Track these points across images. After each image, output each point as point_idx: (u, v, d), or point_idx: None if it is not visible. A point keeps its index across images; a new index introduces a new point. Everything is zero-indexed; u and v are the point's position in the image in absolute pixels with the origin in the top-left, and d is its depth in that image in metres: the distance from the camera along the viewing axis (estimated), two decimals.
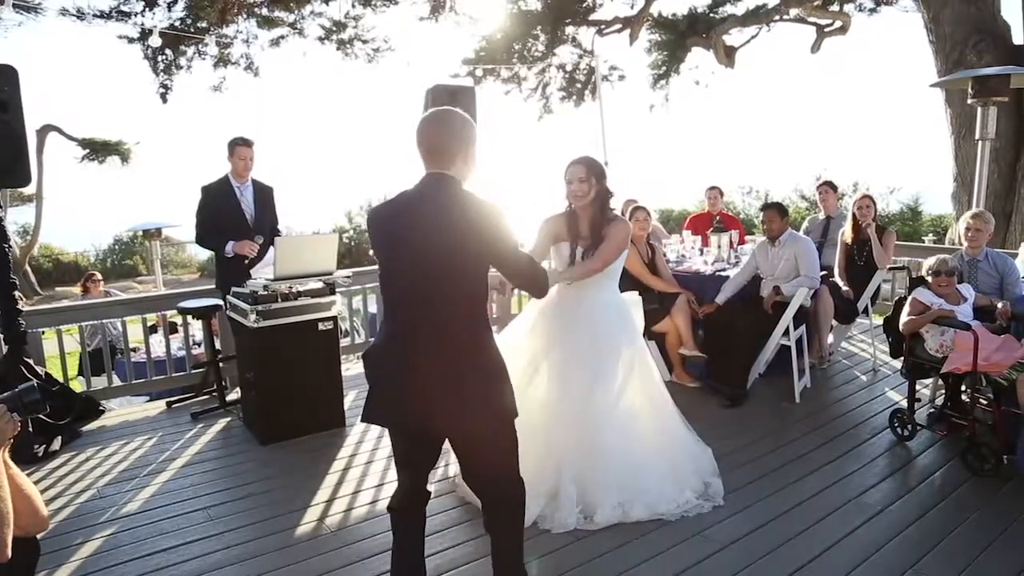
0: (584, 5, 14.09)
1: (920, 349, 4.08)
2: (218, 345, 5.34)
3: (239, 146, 4.97)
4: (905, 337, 4.12)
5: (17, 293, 4.50)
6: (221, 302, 4.99)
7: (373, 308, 6.61)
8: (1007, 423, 3.64)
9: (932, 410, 4.42)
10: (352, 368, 6.12)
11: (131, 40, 12.65)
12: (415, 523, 2.56)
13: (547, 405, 3.31)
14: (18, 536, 1.92)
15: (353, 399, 5.13)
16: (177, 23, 12.38)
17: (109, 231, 22.74)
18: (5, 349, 4.45)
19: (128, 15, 12.31)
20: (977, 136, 5.88)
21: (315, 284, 4.49)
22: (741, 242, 6.59)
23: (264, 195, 5.18)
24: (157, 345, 5.84)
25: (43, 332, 5.12)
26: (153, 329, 6.11)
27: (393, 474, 3.83)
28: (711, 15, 13.37)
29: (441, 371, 2.19)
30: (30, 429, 4.14)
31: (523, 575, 2.52)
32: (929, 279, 4.08)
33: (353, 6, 13.37)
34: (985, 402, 3.84)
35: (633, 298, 3.70)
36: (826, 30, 12.94)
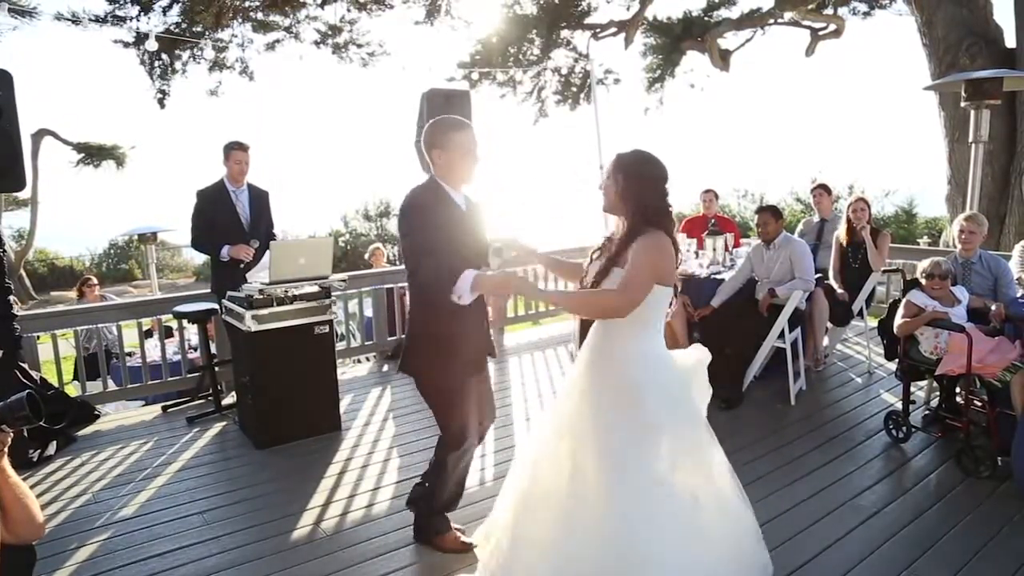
0: (579, 9, 14.12)
1: (915, 351, 4.09)
2: (214, 349, 5.33)
3: (235, 150, 4.97)
4: (900, 339, 4.14)
5: (12, 297, 4.49)
6: (217, 306, 4.98)
7: (369, 312, 6.60)
8: (1002, 425, 3.66)
9: (927, 412, 4.44)
10: (348, 372, 6.12)
11: (126, 44, 12.64)
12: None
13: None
14: (14, 544, 1.92)
15: (349, 403, 5.13)
16: (172, 27, 12.37)
17: (104, 235, 22.70)
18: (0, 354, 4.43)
19: (123, 19, 12.28)
20: (970, 139, 5.89)
21: (311, 288, 4.49)
22: (736, 245, 6.61)
23: (260, 199, 5.18)
24: (152, 349, 5.82)
25: (38, 336, 5.10)
26: (148, 333, 6.09)
27: (388, 478, 3.87)
28: (706, 18, 13.40)
29: (408, 334, 3.02)
30: (25, 434, 4.13)
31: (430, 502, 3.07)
32: (923, 281, 4.10)
33: (348, 10, 13.36)
34: (979, 404, 3.86)
35: (696, 358, 2.55)
36: (820, 33, 12.99)
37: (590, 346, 2.53)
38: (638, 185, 2.44)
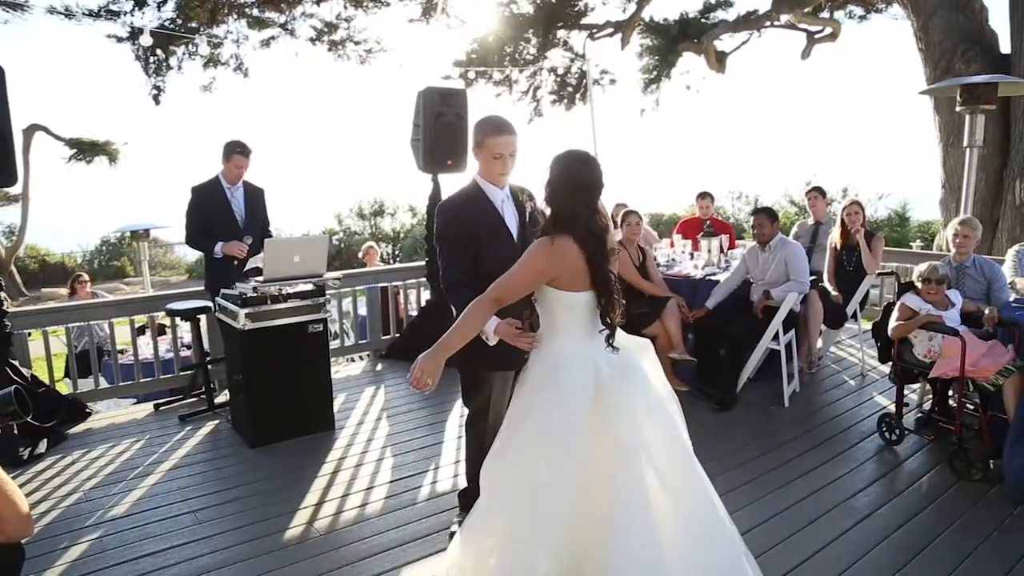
0: (576, 9, 14.13)
1: (908, 354, 4.11)
2: (207, 347, 5.30)
3: (236, 154, 4.90)
4: (893, 342, 4.15)
5: (3, 294, 4.46)
6: (210, 304, 4.96)
7: (363, 310, 6.58)
8: (993, 428, 3.67)
9: (920, 415, 4.45)
10: (342, 371, 6.09)
11: (120, 39, 12.58)
12: None
13: None
14: (2, 542, 1.89)
15: (343, 402, 5.11)
16: (167, 23, 12.32)
17: (96, 232, 22.56)
18: None
19: (117, 14, 12.23)
20: (965, 143, 5.92)
21: (305, 286, 4.47)
22: (731, 247, 6.62)
23: (255, 197, 5.15)
24: (145, 347, 5.79)
25: (29, 333, 5.07)
26: (141, 331, 6.06)
27: (381, 477, 3.86)
28: (702, 20, 13.43)
29: None
30: (15, 431, 4.10)
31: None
32: (919, 285, 4.11)
33: (345, 7, 13.35)
34: (972, 407, 3.87)
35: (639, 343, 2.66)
36: (816, 36, 13.03)
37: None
38: (558, 186, 2.31)
